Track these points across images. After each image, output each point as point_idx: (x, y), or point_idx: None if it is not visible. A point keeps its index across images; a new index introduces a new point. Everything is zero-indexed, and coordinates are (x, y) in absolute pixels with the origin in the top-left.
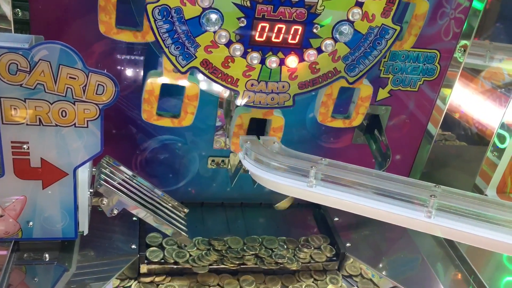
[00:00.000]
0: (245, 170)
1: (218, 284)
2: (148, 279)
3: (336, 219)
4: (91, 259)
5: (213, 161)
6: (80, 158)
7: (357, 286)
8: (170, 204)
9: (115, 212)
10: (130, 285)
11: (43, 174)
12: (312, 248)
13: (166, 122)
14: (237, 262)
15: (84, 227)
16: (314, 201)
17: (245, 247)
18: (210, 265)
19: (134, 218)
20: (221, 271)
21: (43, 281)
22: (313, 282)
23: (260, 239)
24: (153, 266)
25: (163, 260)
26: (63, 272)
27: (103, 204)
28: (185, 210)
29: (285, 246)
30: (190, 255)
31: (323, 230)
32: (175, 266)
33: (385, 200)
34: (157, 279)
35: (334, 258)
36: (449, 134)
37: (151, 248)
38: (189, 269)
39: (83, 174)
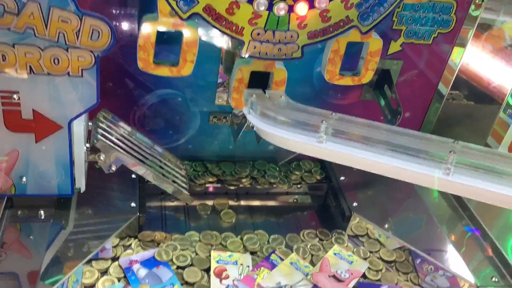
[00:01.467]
0: (249, 127)
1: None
2: (148, 237)
3: (342, 178)
4: (88, 217)
5: (215, 117)
6: (75, 110)
7: (363, 246)
8: (170, 162)
9: (114, 168)
10: (130, 244)
11: (36, 127)
12: (303, 171)
13: (164, 71)
14: (234, 183)
15: (80, 184)
16: (324, 158)
17: (237, 169)
18: (206, 184)
19: (134, 176)
20: (218, 193)
21: (38, 239)
22: (318, 241)
23: (251, 163)
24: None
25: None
26: (60, 230)
27: (101, 160)
28: (186, 167)
29: (277, 169)
30: (188, 182)
31: (328, 188)
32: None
33: (400, 156)
34: (157, 237)
35: (324, 181)
36: (456, 93)
37: None
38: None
39: (79, 128)
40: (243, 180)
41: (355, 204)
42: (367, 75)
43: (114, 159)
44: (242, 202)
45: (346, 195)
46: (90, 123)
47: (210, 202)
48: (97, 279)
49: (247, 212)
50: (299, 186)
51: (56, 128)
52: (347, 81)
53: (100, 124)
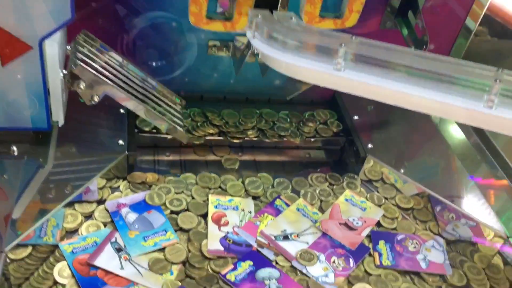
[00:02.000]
0: (253, 56)
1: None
2: (139, 179)
3: (355, 117)
4: (70, 155)
5: (214, 46)
6: (46, 27)
7: (377, 192)
8: (165, 96)
9: (96, 99)
10: (118, 186)
11: (1, 47)
12: (318, 122)
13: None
14: (239, 136)
15: (58, 117)
16: (341, 89)
17: (241, 120)
18: (206, 136)
19: (122, 111)
20: (219, 146)
21: (13, 178)
22: (328, 186)
23: (258, 112)
24: (146, 139)
25: (154, 130)
26: (37, 169)
27: (80, 89)
28: (182, 102)
29: (288, 120)
30: (185, 125)
31: (341, 129)
32: (168, 137)
33: (432, 86)
34: (149, 178)
35: (342, 134)
36: (481, 29)
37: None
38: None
39: (52, 49)
40: (249, 133)
41: (370, 145)
42: (351, 18)
43: (96, 88)
44: (247, 157)
45: (360, 135)
46: (68, 47)
47: (211, 157)
48: (81, 224)
49: (252, 167)
50: (312, 139)
51: (25, 48)
52: (328, 24)
53: (80, 48)
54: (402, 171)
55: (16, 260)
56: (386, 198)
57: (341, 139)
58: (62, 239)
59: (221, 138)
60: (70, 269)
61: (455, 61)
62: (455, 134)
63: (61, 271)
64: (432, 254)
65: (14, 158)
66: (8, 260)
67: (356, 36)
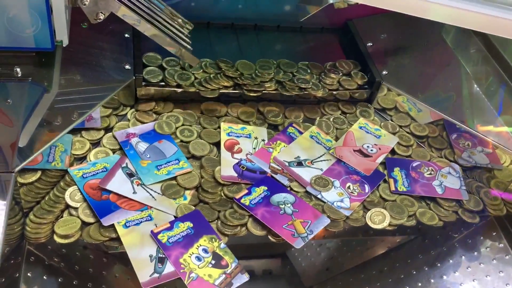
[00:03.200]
0: None
1: (227, 113)
2: (147, 107)
3: (369, 44)
4: (76, 79)
5: None
6: None
7: (391, 120)
8: (172, 19)
9: (101, 17)
10: (126, 113)
11: None
12: (341, 74)
13: None
14: (256, 89)
15: (62, 36)
16: (364, 2)
17: (258, 72)
18: (221, 90)
19: (127, 35)
20: (232, 99)
21: (18, 102)
22: (341, 114)
23: (275, 63)
24: (151, 91)
25: (163, 83)
26: (43, 93)
27: (84, 4)
28: (190, 26)
29: (308, 71)
30: (196, 78)
31: (354, 56)
32: (178, 90)
33: None
34: (157, 107)
35: (366, 87)
36: None
37: (149, 68)
38: (191, 96)
39: None
40: (267, 85)
41: (384, 72)
42: None
43: (102, 4)
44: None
45: (375, 62)
46: None
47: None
48: (89, 150)
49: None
50: (335, 92)
51: None
52: None
53: None
54: (417, 97)
55: (26, 184)
56: (400, 126)
57: (367, 92)
58: (71, 164)
59: (237, 91)
60: (81, 193)
61: None
62: (472, 59)
63: (73, 195)
64: (448, 180)
65: (18, 81)
66: (18, 185)
67: None
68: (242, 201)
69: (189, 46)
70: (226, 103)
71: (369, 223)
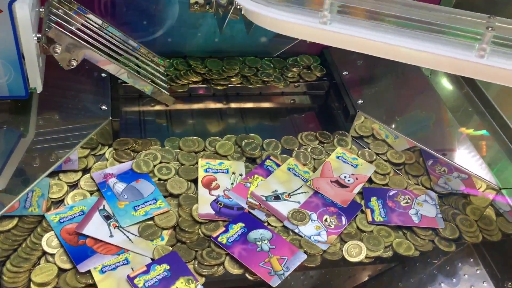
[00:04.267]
0: (237, 13)
1: (205, 148)
2: (124, 146)
3: (345, 73)
4: (52, 123)
5: (196, 3)
6: None
7: (369, 148)
8: (147, 57)
9: (74, 63)
10: (104, 153)
11: None
12: (301, 67)
13: None
14: (223, 83)
15: (35, 83)
16: (328, 43)
17: (224, 68)
18: (190, 85)
19: (104, 74)
20: (203, 95)
21: (4, 150)
22: (319, 144)
23: (241, 59)
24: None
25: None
26: (19, 139)
27: (57, 53)
28: (165, 63)
29: (272, 66)
30: (168, 74)
31: (331, 87)
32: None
33: (422, 37)
34: (135, 145)
35: (325, 78)
36: None
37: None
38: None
39: (22, 11)
40: (233, 79)
41: (360, 101)
42: None
43: (74, 51)
44: (232, 105)
45: (350, 92)
46: (41, 9)
47: (195, 106)
48: (66, 193)
49: (238, 115)
50: (296, 85)
51: None
52: None
53: (54, 10)
54: (393, 126)
55: (2, 232)
56: (377, 154)
57: (325, 83)
58: (48, 209)
59: (205, 85)
60: (58, 239)
61: (445, 9)
62: (447, 86)
63: (49, 241)
64: (424, 209)
65: None
66: None
67: None
68: (219, 239)
69: (164, 85)
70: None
71: (346, 256)
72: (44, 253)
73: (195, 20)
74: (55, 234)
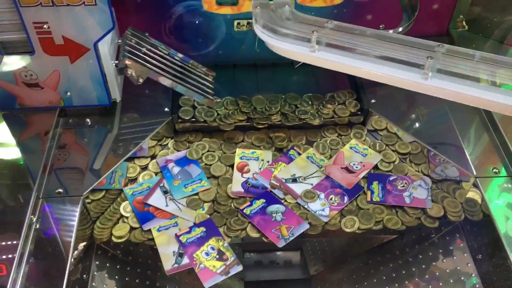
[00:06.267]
0: None
1: (243, 140)
2: (182, 138)
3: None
4: (130, 121)
5: (238, 23)
6: (97, 34)
7: (381, 140)
8: (198, 70)
9: (141, 80)
10: (167, 143)
11: (68, 50)
12: (336, 103)
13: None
14: (263, 122)
15: (115, 95)
16: (317, 65)
17: (267, 107)
18: (236, 123)
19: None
20: (247, 129)
21: (90, 141)
22: (337, 136)
23: (283, 97)
24: (185, 125)
25: (194, 119)
26: (107, 134)
27: (128, 74)
28: (212, 74)
29: (310, 102)
30: (218, 114)
31: (351, 86)
32: (205, 124)
33: (384, 63)
34: (190, 137)
35: (359, 113)
36: None
37: (183, 108)
38: (217, 127)
39: (103, 48)
40: (273, 118)
41: (373, 100)
42: None
43: (140, 72)
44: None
45: (366, 92)
46: (119, 40)
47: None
48: (139, 173)
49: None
50: (332, 119)
51: (85, 50)
52: (319, 2)
53: (127, 42)
54: (399, 124)
55: (95, 200)
56: (387, 145)
57: (357, 118)
58: (126, 185)
59: (248, 124)
60: (131, 206)
61: (407, 40)
62: None
63: (125, 208)
64: (417, 192)
65: (88, 127)
66: (89, 201)
67: (331, 21)
68: (244, 211)
69: (211, 91)
70: (243, 131)
71: (343, 228)
72: (121, 216)
73: (239, 36)
74: (129, 203)
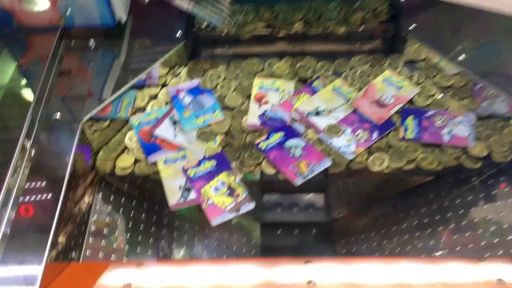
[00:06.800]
0: None
1: (264, 69)
2: (197, 65)
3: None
4: (137, 46)
5: None
6: None
7: (420, 71)
8: None
9: None
10: (180, 72)
11: None
12: (367, 11)
13: None
14: (284, 31)
15: (120, 14)
16: None
17: (290, 14)
18: (254, 32)
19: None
20: (266, 39)
21: (95, 65)
22: (369, 67)
23: (309, 5)
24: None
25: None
26: (112, 58)
27: None
28: None
29: (336, 10)
30: (235, 23)
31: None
32: (221, 35)
33: None
34: (206, 65)
35: (391, 21)
36: None
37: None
38: (234, 36)
39: None
40: (295, 25)
41: (413, 25)
42: None
43: None
44: (297, 48)
45: (406, 15)
46: None
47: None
48: (147, 103)
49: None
50: (359, 30)
51: None
52: None
53: None
54: (443, 52)
55: (99, 130)
56: (426, 77)
57: (389, 26)
58: (133, 114)
59: (266, 33)
60: (136, 136)
61: None
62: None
63: (131, 138)
64: (458, 129)
65: (93, 50)
66: (93, 131)
67: None
68: (260, 145)
69: (227, 16)
70: (263, 57)
71: (370, 166)
72: (126, 147)
73: None
74: (135, 133)
